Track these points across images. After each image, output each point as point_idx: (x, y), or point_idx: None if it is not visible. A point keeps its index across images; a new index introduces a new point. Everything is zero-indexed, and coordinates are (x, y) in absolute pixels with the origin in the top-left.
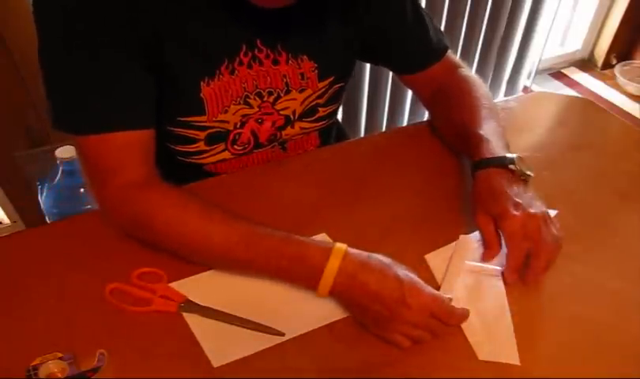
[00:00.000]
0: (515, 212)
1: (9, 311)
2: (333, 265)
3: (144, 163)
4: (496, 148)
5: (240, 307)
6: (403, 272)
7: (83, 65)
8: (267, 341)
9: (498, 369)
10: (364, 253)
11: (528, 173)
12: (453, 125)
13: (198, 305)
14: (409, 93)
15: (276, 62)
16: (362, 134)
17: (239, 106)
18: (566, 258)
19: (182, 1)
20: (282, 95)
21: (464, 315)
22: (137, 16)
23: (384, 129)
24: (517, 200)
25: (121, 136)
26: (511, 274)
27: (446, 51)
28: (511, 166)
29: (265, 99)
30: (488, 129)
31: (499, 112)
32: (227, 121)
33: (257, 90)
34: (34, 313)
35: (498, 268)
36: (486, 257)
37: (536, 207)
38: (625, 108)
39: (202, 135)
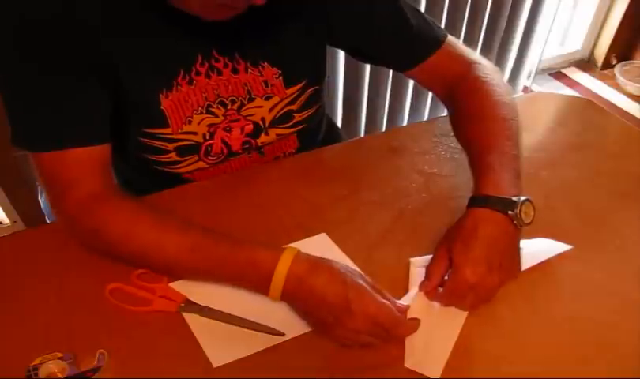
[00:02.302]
0: (471, 275)
1: (9, 311)
2: (282, 269)
3: (99, 176)
4: (502, 182)
5: (240, 307)
6: (352, 278)
7: (35, 85)
8: (267, 341)
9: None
10: (315, 257)
11: (527, 222)
12: (465, 140)
13: (198, 305)
14: (409, 93)
15: (235, 71)
16: (362, 134)
17: (202, 116)
18: (566, 258)
19: (131, 18)
20: (246, 102)
21: (412, 327)
22: (86, 36)
23: (384, 129)
24: (487, 258)
25: (75, 152)
26: (427, 292)
27: (441, 44)
28: (510, 213)
29: (229, 107)
30: (499, 155)
31: (518, 115)
32: (195, 133)
33: (220, 99)
34: (34, 313)
35: None
36: (420, 287)
37: (507, 268)
38: (625, 108)
39: (171, 147)
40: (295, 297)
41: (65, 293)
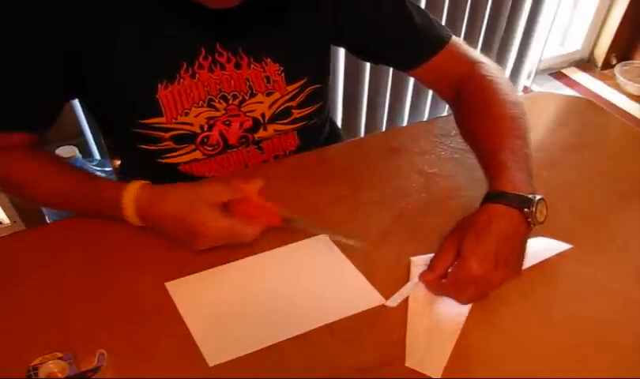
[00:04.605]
0: (477, 268)
1: (8, 311)
2: (130, 213)
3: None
4: (517, 179)
5: (239, 306)
6: (191, 207)
7: None
8: (266, 340)
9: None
10: (157, 190)
11: (541, 221)
12: (473, 138)
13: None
14: (409, 93)
15: (238, 66)
16: (362, 134)
17: (202, 109)
18: (566, 258)
19: (136, 6)
20: (247, 98)
21: (253, 232)
22: (62, 28)
23: (384, 129)
24: (496, 253)
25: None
26: (429, 282)
27: (445, 43)
28: (526, 210)
29: (231, 102)
30: (510, 154)
31: (525, 114)
32: (191, 124)
33: (222, 93)
34: (34, 313)
35: None
36: (421, 276)
37: (512, 267)
38: (625, 108)
39: (167, 136)
40: (149, 225)
41: (64, 293)
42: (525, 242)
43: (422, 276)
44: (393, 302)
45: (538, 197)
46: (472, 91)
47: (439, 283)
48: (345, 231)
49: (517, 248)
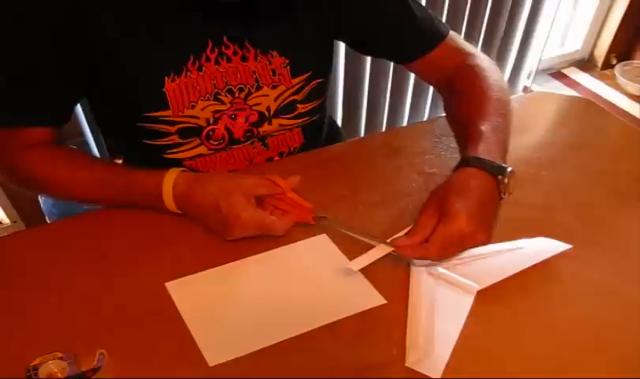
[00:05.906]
0: (467, 225)
1: (9, 311)
2: (168, 200)
3: (40, 143)
4: (494, 150)
5: (239, 306)
6: (226, 197)
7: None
8: (266, 340)
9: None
10: (194, 177)
11: (510, 192)
12: (458, 120)
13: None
14: (409, 93)
15: (244, 59)
16: (362, 134)
17: (208, 102)
18: (566, 258)
19: (143, 1)
20: (253, 91)
21: (284, 225)
22: (78, 18)
23: (384, 129)
24: (481, 211)
25: (24, 131)
26: (406, 248)
27: (444, 37)
28: (500, 177)
29: (237, 95)
30: (492, 128)
31: (511, 102)
32: (197, 117)
33: (228, 87)
34: (34, 313)
35: (475, 285)
36: (398, 241)
37: (489, 228)
38: (625, 108)
39: (173, 129)
40: (185, 212)
41: (65, 293)
42: (497, 209)
43: (399, 242)
44: (355, 265)
45: (510, 169)
46: (462, 79)
47: (417, 247)
48: (377, 234)
49: (493, 212)
